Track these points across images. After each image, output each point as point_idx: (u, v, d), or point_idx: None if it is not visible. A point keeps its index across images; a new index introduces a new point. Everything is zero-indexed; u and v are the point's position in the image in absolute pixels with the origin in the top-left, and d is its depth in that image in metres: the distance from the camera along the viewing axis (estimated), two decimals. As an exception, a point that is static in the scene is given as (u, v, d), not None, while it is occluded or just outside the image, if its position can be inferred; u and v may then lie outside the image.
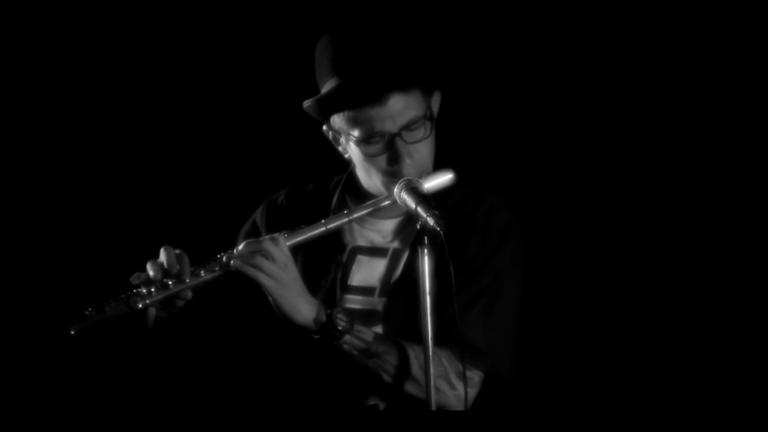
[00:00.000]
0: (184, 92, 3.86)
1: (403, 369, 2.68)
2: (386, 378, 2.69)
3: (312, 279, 2.80)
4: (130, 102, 3.87)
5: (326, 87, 2.77)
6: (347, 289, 2.84)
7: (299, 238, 2.70)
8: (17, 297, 3.79)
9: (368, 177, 2.82)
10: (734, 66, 3.50)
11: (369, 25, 2.78)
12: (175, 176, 3.88)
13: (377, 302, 2.81)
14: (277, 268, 2.63)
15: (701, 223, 3.56)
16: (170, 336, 2.78)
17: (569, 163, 3.65)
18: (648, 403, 3.55)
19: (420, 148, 2.76)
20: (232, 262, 2.63)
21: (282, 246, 2.65)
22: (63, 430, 3.66)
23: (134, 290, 2.60)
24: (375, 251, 2.86)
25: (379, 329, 2.76)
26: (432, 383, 2.51)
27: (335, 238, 2.86)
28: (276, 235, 2.67)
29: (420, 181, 2.68)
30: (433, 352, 2.52)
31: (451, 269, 2.52)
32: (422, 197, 2.59)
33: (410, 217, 2.72)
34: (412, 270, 2.70)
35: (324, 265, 2.86)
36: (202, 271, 2.63)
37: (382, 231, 2.88)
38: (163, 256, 2.63)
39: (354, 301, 2.83)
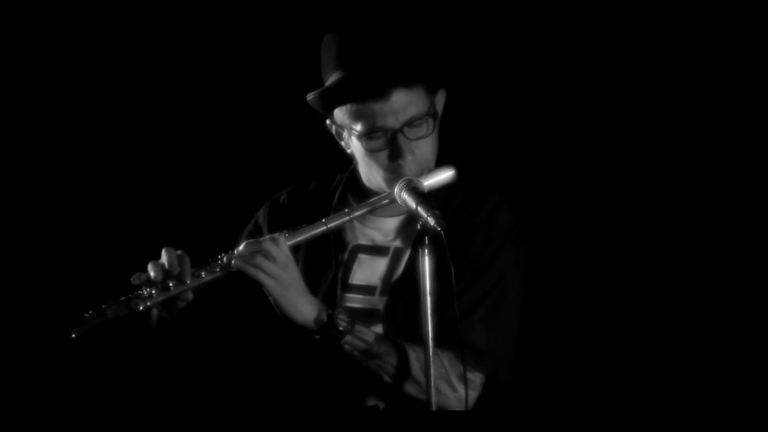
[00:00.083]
0: (185, 92, 3.86)
1: (404, 370, 2.66)
2: (387, 379, 2.68)
3: (313, 277, 2.80)
4: (131, 102, 3.87)
5: (330, 80, 2.76)
6: (348, 287, 2.83)
7: (300, 237, 2.70)
8: (18, 300, 3.79)
9: (369, 173, 2.81)
10: (734, 66, 3.49)
11: (375, 21, 2.78)
12: (176, 177, 3.88)
13: (378, 301, 2.80)
14: (278, 267, 2.61)
15: (707, 224, 3.56)
16: (172, 337, 2.76)
17: (573, 164, 3.65)
18: (649, 405, 3.53)
19: (422, 145, 2.75)
20: (232, 262, 2.62)
21: (282, 245, 2.64)
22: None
23: (135, 292, 2.59)
24: (376, 250, 2.85)
25: (379, 329, 2.75)
26: (433, 384, 2.49)
27: (336, 236, 2.85)
28: (276, 234, 2.66)
29: (420, 180, 2.67)
30: (435, 354, 2.51)
31: (452, 269, 2.50)
32: (423, 197, 2.57)
33: (412, 216, 2.71)
34: (413, 269, 2.68)
35: (325, 263, 2.85)
36: (202, 273, 2.62)
37: (384, 230, 2.87)
38: (164, 257, 2.61)
39: (355, 300, 2.81)
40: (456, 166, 2.74)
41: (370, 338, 2.66)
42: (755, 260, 3.50)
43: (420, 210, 2.53)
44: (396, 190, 2.65)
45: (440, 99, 2.81)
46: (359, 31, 2.74)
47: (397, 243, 2.85)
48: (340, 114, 2.77)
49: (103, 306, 2.56)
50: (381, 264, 2.83)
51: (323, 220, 2.72)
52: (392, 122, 2.71)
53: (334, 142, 2.87)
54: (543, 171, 3.65)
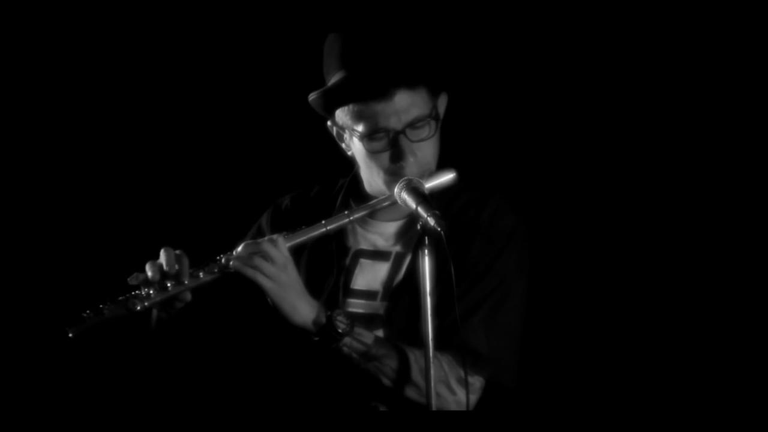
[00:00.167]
0: (187, 93, 3.87)
1: (403, 373, 2.65)
2: (386, 382, 2.66)
3: (315, 282, 2.78)
4: (131, 103, 3.87)
5: (333, 80, 2.76)
6: (350, 292, 2.82)
7: (299, 239, 2.69)
8: (16, 299, 3.79)
9: (370, 175, 2.80)
10: (734, 66, 3.49)
11: (379, 22, 2.78)
12: (179, 178, 3.88)
13: (379, 306, 2.79)
14: (276, 269, 2.60)
15: (711, 226, 3.55)
16: (171, 337, 2.76)
17: (576, 167, 3.64)
18: (651, 408, 3.52)
19: (423, 147, 2.73)
20: (231, 263, 2.61)
21: (281, 247, 2.63)
22: None
23: (133, 292, 2.58)
24: (378, 255, 2.84)
25: (380, 333, 2.73)
26: (432, 387, 2.47)
27: (338, 241, 2.84)
28: (275, 236, 2.65)
29: (421, 181, 2.65)
30: (434, 357, 2.49)
31: (452, 270, 2.49)
32: (423, 197, 2.56)
33: (413, 220, 2.70)
34: (414, 273, 2.66)
35: (327, 268, 2.84)
36: (201, 273, 2.61)
37: (385, 234, 2.85)
38: (162, 257, 2.61)
39: (356, 305, 2.80)
40: (458, 170, 2.73)
41: (369, 340, 2.64)
42: (757, 261, 3.49)
43: (420, 210, 2.51)
44: (396, 190, 2.64)
45: (442, 102, 2.80)
46: (362, 32, 2.73)
47: (398, 247, 2.83)
48: (341, 115, 2.76)
49: (101, 305, 2.55)
50: (383, 269, 2.82)
51: (323, 222, 2.71)
52: (394, 123, 2.70)
53: (336, 144, 2.85)
54: (545, 174, 3.65)
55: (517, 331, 2.76)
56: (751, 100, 3.49)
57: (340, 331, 2.60)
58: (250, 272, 2.59)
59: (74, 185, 3.86)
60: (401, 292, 2.77)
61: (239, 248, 2.63)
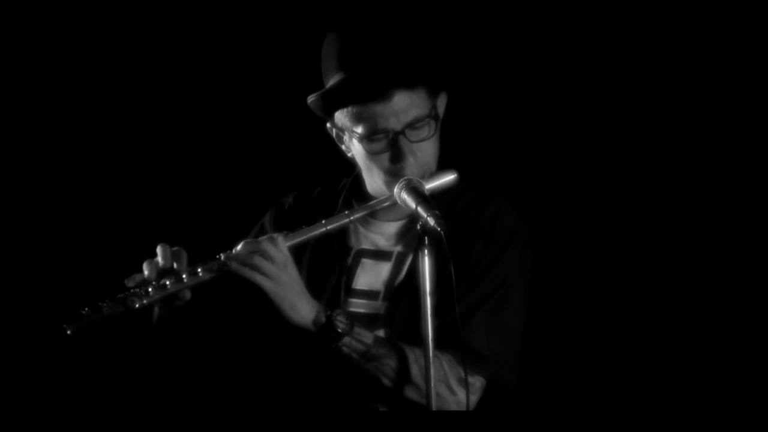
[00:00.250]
0: (187, 93, 3.87)
1: (402, 373, 2.64)
2: (385, 381, 2.66)
3: (317, 282, 2.79)
4: (132, 103, 3.87)
5: (331, 82, 2.75)
6: (351, 292, 2.81)
7: (299, 238, 2.68)
8: (14, 296, 3.79)
9: (370, 176, 2.80)
10: (734, 66, 3.49)
11: (376, 23, 2.76)
12: (179, 177, 3.88)
13: (381, 306, 2.79)
14: (276, 268, 2.60)
15: (714, 228, 3.54)
16: (170, 336, 2.76)
17: (579, 166, 3.64)
18: (653, 408, 3.52)
19: (423, 148, 2.73)
20: (229, 262, 2.60)
21: (281, 246, 2.62)
22: (60, 430, 3.66)
23: (131, 290, 2.57)
24: (379, 255, 2.84)
25: (381, 333, 2.73)
26: (432, 387, 2.47)
27: (340, 241, 2.84)
28: (275, 235, 2.65)
29: (420, 180, 2.65)
30: (434, 356, 2.49)
31: (452, 269, 2.49)
32: (423, 197, 2.56)
33: (415, 220, 2.69)
34: (415, 273, 2.65)
35: (329, 268, 2.84)
36: (200, 271, 2.61)
37: (387, 234, 2.85)
38: (159, 254, 2.61)
39: (358, 305, 2.80)
40: (460, 170, 2.72)
41: (369, 340, 2.64)
42: (758, 261, 3.49)
43: (420, 210, 2.51)
44: (396, 190, 2.63)
45: (441, 102, 2.80)
46: (360, 33, 2.73)
47: (400, 247, 2.83)
48: (340, 116, 2.76)
49: (100, 303, 2.55)
50: (384, 269, 2.82)
51: (323, 221, 2.71)
52: (394, 124, 2.70)
53: (336, 145, 2.85)
54: (546, 173, 3.64)
55: (518, 331, 2.75)
56: (751, 100, 3.49)
57: (339, 330, 2.60)
58: (247, 273, 2.59)
59: (74, 183, 3.86)
60: (403, 292, 2.76)
61: (239, 246, 2.63)
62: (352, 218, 2.72)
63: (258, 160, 3.83)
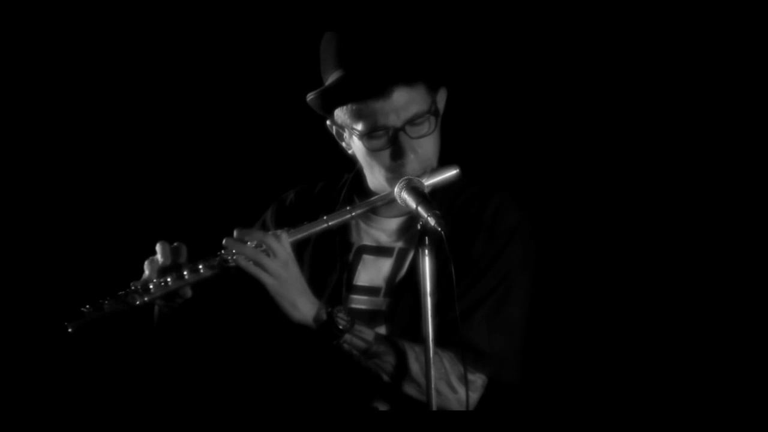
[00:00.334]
0: (187, 90, 3.87)
1: (403, 370, 2.64)
2: (386, 379, 2.65)
3: (319, 279, 2.78)
4: (132, 102, 3.88)
5: (330, 79, 2.74)
6: (353, 289, 2.81)
7: (301, 234, 2.68)
8: (15, 294, 3.79)
9: (371, 173, 2.79)
10: (734, 66, 3.49)
11: (375, 19, 2.76)
12: (180, 174, 3.88)
13: (382, 302, 2.78)
14: (277, 265, 2.59)
15: (718, 221, 3.54)
16: (171, 333, 2.75)
17: (581, 161, 3.63)
18: (655, 407, 3.52)
19: (424, 144, 2.72)
20: (230, 258, 2.60)
21: (284, 243, 2.62)
22: (61, 428, 3.66)
23: (132, 287, 2.57)
24: (381, 251, 2.83)
25: (383, 330, 2.73)
26: (433, 385, 2.47)
27: (341, 237, 2.84)
28: (278, 231, 2.64)
29: (421, 180, 2.65)
30: (435, 354, 2.49)
31: (452, 269, 2.48)
32: (423, 197, 2.55)
33: (416, 216, 2.69)
34: (416, 270, 2.64)
35: (330, 264, 2.83)
36: (200, 267, 2.60)
37: (388, 230, 2.85)
38: (158, 251, 2.61)
39: (359, 302, 2.79)
40: (461, 165, 2.72)
41: (370, 337, 2.64)
42: (759, 261, 3.49)
43: (420, 210, 2.51)
44: (396, 189, 2.63)
45: (441, 97, 2.79)
46: (359, 29, 2.72)
47: (401, 243, 2.82)
48: (340, 114, 2.75)
49: (101, 300, 2.55)
50: (386, 265, 2.81)
51: (324, 217, 2.70)
52: (393, 121, 2.69)
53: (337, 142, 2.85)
54: (548, 168, 3.64)
55: (520, 327, 2.75)
56: (751, 100, 3.49)
57: (341, 327, 2.59)
58: (252, 269, 2.58)
59: (74, 182, 3.86)
60: (404, 288, 2.76)
61: (234, 233, 2.62)
62: (353, 214, 2.72)
63: (259, 157, 3.83)
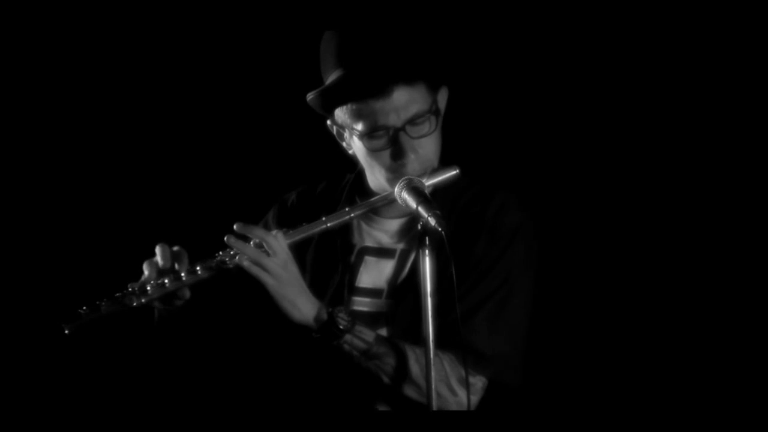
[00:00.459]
0: (188, 92, 3.87)
1: (403, 372, 2.63)
2: (386, 380, 2.64)
3: (321, 280, 2.78)
4: (134, 102, 3.88)
5: (330, 79, 2.73)
6: (355, 290, 2.80)
7: (300, 235, 2.67)
8: (12, 295, 3.79)
9: (372, 173, 2.78)
10: (734, 66, 3.48)
11: (375, 18, 2.74)
12: (180, 175, 3.88)
13: (384, 304, 2.77)
14: (276, 265, 2.58)
15: (723, 222, 3.53)
16: (170, 335, 2.74)
17: (584, 161, 3.62)
18: (658, 408, 3.50)
19: (424, 144, 2.71)
20: (228, 259, 2.59)
21: (282, 243, 2.61)
22: (58, 429, 3.65)
23: (129, 288, 2.56)
24: (382, 252, 2.82)
25: (384, 332, 2.71)
26: (433, 387, 2.45)
27: (343, 238, 2.83)
28: (275, 231, 2.63)
29: (421, 180, 2.63)
30: (435, 356, 2.47)
31: (453, 270, 2.46)
32: (423, 197, 2.54)
33: (417, 216, 2.67)
34: (418, 271, 2.61)
35: (332, 266, 2.82)
36: (198, 269, 2.59)
37: (390, 231, 2.83)
38: (158, 253, 2.59)
39: (362, 303, 2.78)
40: (463, 165, 2.70)
41: (370, 338, 2.62)
42: (762, 263, 3.48)
43: (420, 210, 2.49)
44: (396, 189, 2.61)
45: (442, 96, 2.77)
46: (359, 29, 2.71)
47: (403, 245, 2.81)
48: (340, 114, 2.74)
49: (98, 302, 2.54)
50: (388, 266, 2.80)
51: (323, 218, 2.69)
52: (394, 120, 2.67)
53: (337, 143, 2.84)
54: (551, 168, 3.63)
55: (521, 329, 2.73)
56: (751, 100, 3.48)
57: (341, 328, 2.58)
58: (254, 269, 2.57)
59: (73, 182, 3.86)
60: (405, 289, 2.74)
61: (236, 227, 2.60)
62: (353, 215, 2.71)
63: (261, 158, 3.83)
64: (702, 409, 3.45)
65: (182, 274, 2.57)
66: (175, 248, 2.60)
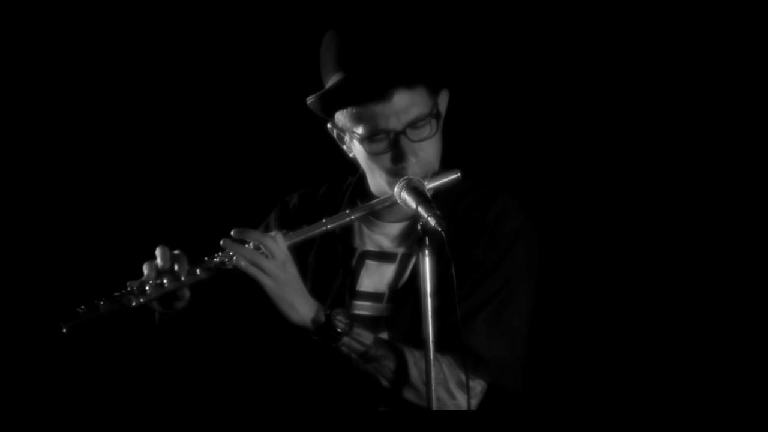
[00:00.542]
0: (190, 93, 3.88)
1: (401, 375, 2.62)
2: (384, 383, 2.64)
3: (322, 284, 2.78)
4: (135, 102, 3.88)
5: (330, 82, 2.73)
6: (356, 294, 2.79)
7: (299, 237, 2.66)
8: (10, 294, 3.79)
9: (373, 176, 2.78)
10: (734, 66, 3.49)
11: (375, 21, 2.74)
12: (181, 177, 3.88)
13: (385, 308, 2.77)
14: (275, 266, 2.58)
15: (727, 224, 3.52)
16: (170, 336, 2.74)
17: (586, 164, 3.62)
18: (659, 413, 3.50)
19: (425, 147, 2.70)
20: (228, 260, 2.58)
21: (281, 244, 2.60)
22: (55, 427, 3.65)
23: (128, 288, 2.56)
24: (383, 256, 2.81)
25: (386, 336, 2.71)
26: (433, 391, 2.44)
27: (344, 242, 2.82)
28: (274, 233, 2.63)
29: (421, 180, 2.63)
30: (435, 359, 2.46)
31: (453, 271, 2.46)
32: (423, 197, 2.53)
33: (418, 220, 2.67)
34: (419, 275, 2.61)
35: (333, 270, 2.82)
36: (198, 270, 2.59)
37: (391, 235, 2.83)
38: (158, 255, 2.59)
39: (362, 308, 2.78)
40: (464, 167, 2.70)
41: (368, 341, 2.62)
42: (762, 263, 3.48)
43: (420, 210, 2.49)
44: (396, 190, 2.61)
45: (443, 99, 2.77)
46: (359, 31, 2.70)
47: (404, 248, 2.80)
48: (340, 117, 2.74)
49: (96, 301, 2.54)
50: (389, 270, 2.79)
51: (323, 220, 2.69)
52: (394, 124, 2.67)
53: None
54: (553, 171, 3.63)
55: (522, 332, 2.72)
56: (751, 100, 3.49)
57: (339, 330, 2.58)
58: (252, 270, 2.57)
59: (73, 181, 3.87)
60: (406, 293, 2.74)
61: (232, 232, 2.60)
62: (353, 217, 2.70)
63: (263, 160, 3.83)
64: (702, 415, 3.44)
65: (181, 275, 2.57)
66: (176, 251, 2.60)
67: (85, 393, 3.74)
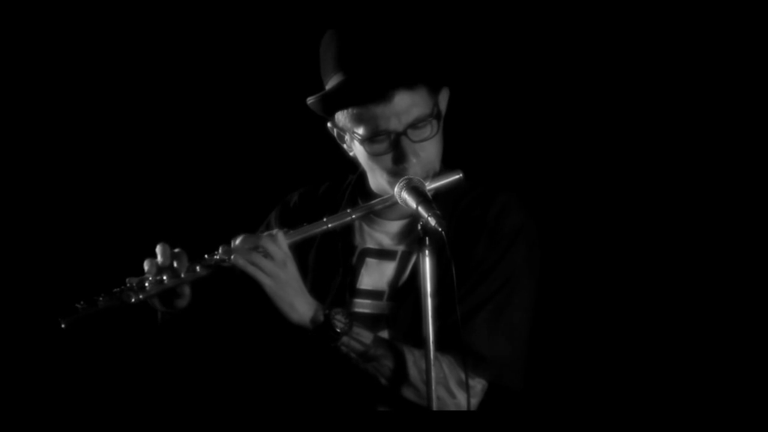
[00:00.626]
0: (191, 92, 3.88)
1: (401, 374, 2.62)
2: (384, 382, 2.63)
3: (323, 282, 2.77)
4: (136, 102, 3.89)
5: (330, 83, 2.72)
6: (356, 293, 2.79)
7: (300, 236, 2.66)
8: (9, 289, 3.79)
9: (373, 176, 2.77)
10: (734, 66, 3.49)
11: (375, 20, 2.73)
12: (182, 175, 3.88)
13: (385, 306, 2.76)
14: (274, 265, 2.58)
15: (727, 223, 3.52)
16: (170, 334, 2.74)
17: (587, 163, 3.62)
18: (660, 412, 3.50)
19: (426, 147, 2.70)
20: (226, 257, 2.59)
21: (280, 243, 2.60)
22: (54, 424, 3.65)
23: (127, 284, 2.56)
24: (384, 254, 2.81)
25: (386, 334, 2.70)
26: (433, 390, 2.44)
27: (345, 240, 2.82)
28: (274, 231, 2.63)
29: (421, 180, 2.62)
30: (435, 358, 2.46)
31: (453, 271, 2.46)
32: (423, 196, 2.53)
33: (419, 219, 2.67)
34: (419, 273, 2.61)
35: (333, 268, 2.81)
36: (197, 267, 2.59)
37: (391, 233, 2.82)
38: (158, 252, 2.59)
39: (363, 306, 2.77)
40: (465, 166, 2.70)
41: (368, 340, 2.62)
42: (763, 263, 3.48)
43: (420, 210, 2.48)
44: (396, 189, 2.60)
45: (444, 98, 2.76)
46: (359, 31, 2.70)
47: (404, 246, 2.80)
48: (341, 117, 2.73)
49: (95, 297, 2.54)
50: (389, 268, 2.79)
51: (324, 219, 2.69)
52: (395, 125, 2.67)
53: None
54: (554, 170, 3.63)
55: (522, 331, 2.72)
56: (751, 100, 3.49)
57: (338, 330, 2.58)
58: (250, 269, 2.57)
59: (72, 179, 3.87)
60: (406, 291, 2.73)
61: (237, 241, 2.61)
62: (354, 216, 2.70)
63: (263, 158, 3.83)
64: (702, 415, 3.44)
65: (181, 272, 2.57)
66: (176, 250, 2.60)
67: (84, 389, 3.74)
